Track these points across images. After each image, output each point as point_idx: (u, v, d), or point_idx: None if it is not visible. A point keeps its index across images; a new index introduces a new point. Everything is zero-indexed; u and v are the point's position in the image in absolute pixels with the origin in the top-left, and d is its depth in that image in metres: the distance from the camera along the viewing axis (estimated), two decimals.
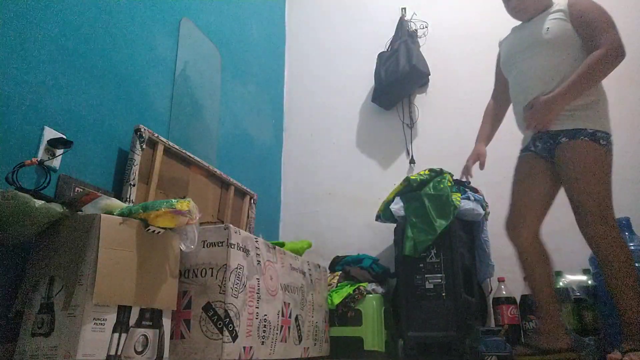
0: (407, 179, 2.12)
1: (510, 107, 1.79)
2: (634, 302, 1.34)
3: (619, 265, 1.35)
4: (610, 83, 2.33)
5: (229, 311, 1.24)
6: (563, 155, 1.50)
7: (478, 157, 1.84)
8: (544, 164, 1.61)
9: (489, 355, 1.34)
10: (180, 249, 1.24)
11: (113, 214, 1.12)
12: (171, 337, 1.20)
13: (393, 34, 2.80)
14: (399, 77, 2.56)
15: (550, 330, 1.51)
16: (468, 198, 2.03)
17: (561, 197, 2.23)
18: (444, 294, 1.88)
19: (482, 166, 1.84)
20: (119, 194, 1.50)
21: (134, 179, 1.53)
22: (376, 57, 2.76)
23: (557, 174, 1.57)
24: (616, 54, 1.43)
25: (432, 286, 1.93)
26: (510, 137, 2.41)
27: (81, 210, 1.13)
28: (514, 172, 1.72)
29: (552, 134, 1.53)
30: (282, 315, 1.56)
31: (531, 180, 1.62)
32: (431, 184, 2.06)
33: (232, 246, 1.31)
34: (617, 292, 1.36)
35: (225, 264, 1.28)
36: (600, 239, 1.38)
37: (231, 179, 2.12)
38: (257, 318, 1.39)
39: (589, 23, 1.49)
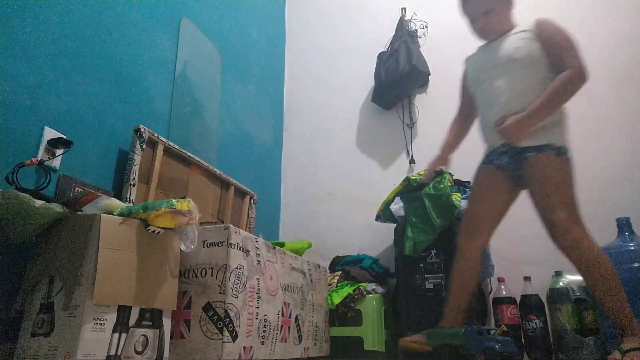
0: (407, 179, 2.12)
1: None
2: (623, 301, 1.37)
3: (603, 269, 1.38)
4: (610, 83, 2.35)
5: (229, 311, 1.24)
6: (532, 169, 1.54)
7: (441, 163, 1.86)
8: (504, 178, 1.64)
9: (502, 354, 1.34)
10: (180, 249, 1.24)
11: (113, 214, 1.12)
12: (171, 337, 1.20)
13: (393, 34, 2.80)
14: (399, 77, 2.56)
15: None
16: (468, 198, 2.03)
17: None
18: (444, 294, 1.88)
19: (440, 163, 1.88)
20: (119, 194, 1.50)
21: (134, 179, 1.53)
22: (376, 57, 2.76)
23: (515, 188, 1.65)
24: (582, 77, 1.51)
25: (432, 286, 1.93)
26: None
27: (81, 210, 1.13)
28: (474, 182, 1.74)
29: (520, 149, 1.56)
30: (282, 315, 1.56)
31: (491, 193, 1.66)
32: (431, 184, 2.05)
33: (232, 246, 1.31)
34: (605, 296, 1.38)
35: (225, 264, 1.28)
36: (581, 245, 1.41)
37: (231, 179, 2.12)
38: (257, 318, 1.39)
39: (557, 45, 1.56)
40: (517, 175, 1.60)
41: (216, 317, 1.23)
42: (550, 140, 1.52)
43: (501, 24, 1.68)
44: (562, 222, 1.43)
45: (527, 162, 1.55)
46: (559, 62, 1.54)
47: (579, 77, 1.50)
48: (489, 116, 1.65)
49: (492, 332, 1.49)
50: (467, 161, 2.19)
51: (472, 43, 2.68)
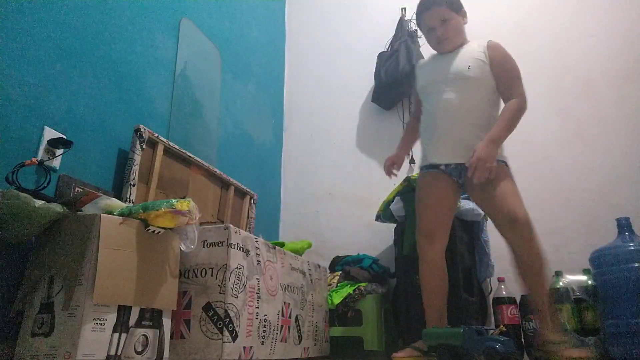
0: (407, 179, 2.12)
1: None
2: (546, 296, 1.55)
3: (541, 263, 1.51)
4: (609, 83, 2.35)
5: (229, 311, 1.24)
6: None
7: (395, 160, 1.88)
8: (450, 182, 1.69)
9: (502, 354, 1.34)
10: (180, 249, 1.24)
11: (113, 214, 1.12)
12: (171, 337, 1.20)
13: (393, 34, 2.80)
14: (399, 77, 2.56)
15: None
16: (468, 198, 2.03)
17: (561, 198, 2.24)
18: None
19: (398, 168, 1.89)
20: (119, 194, 1.50)
21: (134, 179, 1.53)
22: (376, 57, 2.76)
23: (458, 192, 1.73)
24: (526, 106, 1.64)
25: None
26: (510, 137, 2.42)
27: (81, 210, 1.13)
28: (420, 186, 1.75)
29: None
30: (282, 315, 1.56)
31: (441, 197, 1.69)
32: None
33: (232, 246, 1.31)
34: (537, 287, 1.51)
35: (225, 264, 1.28)
36: (532, 243, 1.51)
37: (231, 179, 2.12)
38: (257, 318, 1.39)
39: (507, 72, 1.65)
40: (461, 181, 1.69)
41: (216, 317, 1.23)
42: (498, 156, 1.63)
43: (457, 35, 1.73)
44: (526, 219, 1.52)
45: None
46: (505, 88, 1.65)
47: (525, 106, 1.64)
48: (433, 128, 1.70)
49: (490, 332, 1.49)
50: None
51: None
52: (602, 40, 2.41)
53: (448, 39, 1.72)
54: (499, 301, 1.95)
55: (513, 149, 2.40)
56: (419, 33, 2.79)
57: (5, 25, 1.25)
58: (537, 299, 1.52)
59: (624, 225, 1.69)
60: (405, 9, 2.86)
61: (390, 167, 1.88)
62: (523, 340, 1.87)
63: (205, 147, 2.09)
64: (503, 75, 1.65)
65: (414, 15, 2.85)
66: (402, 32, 2.74)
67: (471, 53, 1.69)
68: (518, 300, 1.96)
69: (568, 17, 2.53)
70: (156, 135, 1.65)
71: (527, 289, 1.56)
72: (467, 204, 1.99)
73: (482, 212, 2.06)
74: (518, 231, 1.51)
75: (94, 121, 1.50)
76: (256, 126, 2.67)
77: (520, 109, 1.63)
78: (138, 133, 1.58)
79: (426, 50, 2.73)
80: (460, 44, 1.73)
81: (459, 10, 1.74)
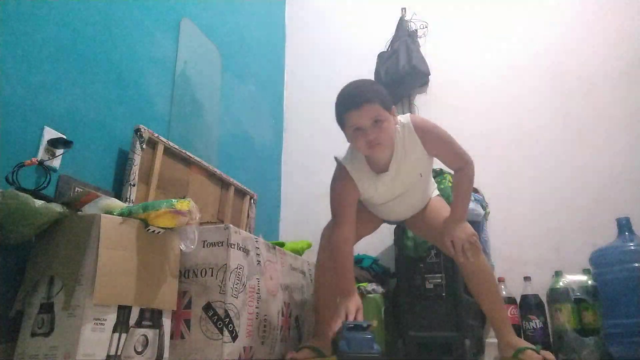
0: None
1: None
2: (503, 308, 1.64)
3: (490, 276, 1.60)
4: (610, 83, 2.35)
5: (229, 311, 1.24)
6: (427, 209, 1.72)
7: (358, 308, 1.40)
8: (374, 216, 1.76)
9: (352, 354, 1.15)
10: (180, 249, 1.24)
11: (113, 214, 1.12)
12: (171, 337, 1.20)
13: (393, 34, 2.80)
14: (399, 77, 2.56)
15: (321, 332, 1.57)
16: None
17: (561, 198, 2.24)
18: (444, 294, 1.88)
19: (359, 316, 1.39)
20: (119, 194, 1.50)
21: (134, 179, 1.53)
22: (376, 57, 2.76)
23: (379, 222, 1.79)
24: (473, 168, 1.57)
25: (432, 286, 1.93)
26: (510, 137, 2.42)
27: (81, 210, 1.13)
28: (343, 193, 1.57)
29: None
30: (282, 315, 1.56)
31: (360, 218, 1.60)
32: None
33: (232, 246, 1.31)
34: (492, 296, 1.58)
35: (225, 264, 1.28)
36: (480, 258, 1.55)
37: (231, 179, 2.12)
38: (257, 318, 1.39)
39: (445, 149, 1.55)
40: (396, 223, 1.82)
41: (216, 317, 1.23)
42: (435, 193, 1.79)
43: (391, 139, 1.45)
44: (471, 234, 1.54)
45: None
46: (449, 163, 1.60)
47: (473, 170, 1.57)
48: (389, 215, 1.75)
49: (365, 325, 1.25)
50: None
51: (472, 43, 2.70)
52: (602, 41, 2.41)
53: (381, 145, 1.41)
54: None
55: (512, 148, 2.41)
56: (419, 33, 2.79)
57: (5, 25, 1.25)
58: (496, 308, 1.57)
59: (624, 225, 1.69)
60: (405, 9, 2.86)
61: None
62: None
63: (205, 147, 2.09)
64: (445, 152, 1.55)
65: (414, 15, 2.89)
66: (402, 32, 2.74)
67: (412, 159, 1.51)
68: (518, 300, 1.96)
69: (569, 19, 2.53)
70: (156, 135, 1.65)
71: (483, 304, 1.59)
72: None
73: (482, 212, 2.07)
74: (473, 257, 1.52)
75: (94, 121, 1.50)
76: (256, 126, 2.67)
77: (471, 178, 1.58)
78: (138, 133, 1.58)
79: (426, 50, 2.74)
80: (390, 150, 1.49)
81: (390, 109, 1.43)
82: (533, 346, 1.47)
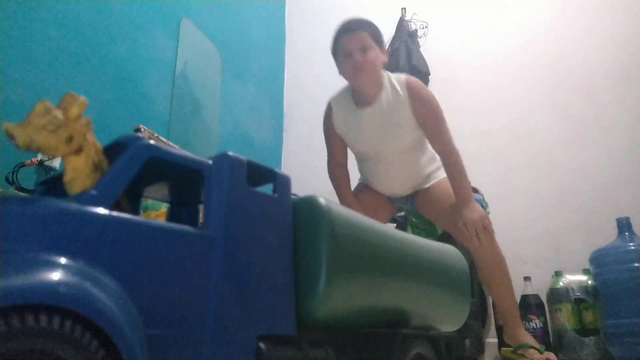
0: None
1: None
2: (514, 300, 1.58)
3: (500, 260, 1.53)
4: (609, 83, 2.35)
5: None
6: (434, 191, 1.64)
7: (355, 206, 1.64)
8: (388, 205, 1.71)
9: None
10: None
11: None
12: None
13: (393, 34, 2.79)
14: None
15: None
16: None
17: (561, 198, 2.24)
18: None
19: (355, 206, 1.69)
20: None
21: None
22: None
23: (390, 215, 1.75)
24: (459, 159, 1.55)
25: None
26: (510, 137, 2.42)
27: None
28: (356, 194, 1.71)
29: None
30: None
31: (374, 212, 1.60)
32: None
33: None
34: (504, 287, 1.54)
35: None
36: (492, 244, 1.50)
37: None
38: None
39: (432, 122, 1.54)
40: (406, 206, 1.72)
41: None
42: (440, 175, 1.67)
43: (375, 71, 1.50)
44: (483, 222, 1.49)
45: (430, 188, 1.65)
46: (433, 139, 1.58)
47: (459, 160, 1.56)
48: (376, 182, 1.68)
49: None
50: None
51: (473, 43, 2.70)
52: (602, 41, 2.41)
53: (365, 71, 1.47)
54: None
55: (513, 147, 2.41)
56: (419, 33, 2.79)
57: (5, 25, 1.25)
58: (507, 297, 1.53)
59: (624, 225, 1.69)
60: (405, 9, 2.85)
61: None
62: None
63: (205, 147, 2.09)
64: (429, 126, 1.55)
65: (414, 15, 2.89)
66: (402, 32, 2.74)
67: (395, 108, 1.52)
68: (518, 300, 1.96)
69: (568, 18, 2.53)
70: (156, 135, 1.65)
71: (493, 292, 1.57)
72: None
73: None
74: (473, 237, 1.47)
75: (94, 121, 1.49)
76: (256, 126, 2.67)
77: (458, 163, 1.53)
78: (138, 133, 1.58)
79: (426, 50, 2.74)
80: (377, 84, 1.53)
81: (381, 44, 1.54)
82: (537, 345, 1.46)
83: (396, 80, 1.55)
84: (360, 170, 1.75)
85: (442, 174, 1.65)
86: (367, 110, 1.55)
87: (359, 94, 1.57)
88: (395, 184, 1.67)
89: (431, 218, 1.74)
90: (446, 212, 1.56)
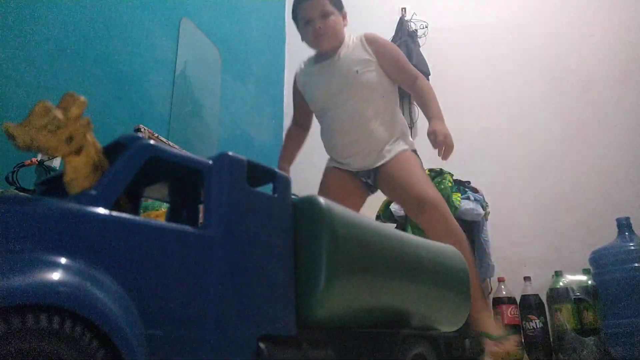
0: None
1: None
2: (475, 277, 1.46)
3: (456, 240, 1.38)
4: (609, 83, 2.35)
5: None
6: (396, 166, 1.56)
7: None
8: (359, 184, 1.65)
9: None
10: None
11: None
12: None
13: (393, 34, 2.80)
14: None
15: None
16: (468, 198, 2.03)
17: (561, 198, 2.24)
18: None
19: None
20: None
21: None
22: None
23: (366, 194, 1.68)
24: (426, 80, 1.62)
25: None
26: (510, 137, 2.42)
27: None
28: (325, 183, 1.69)
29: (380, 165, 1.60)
30: None
31: (345, 199, 1.56)
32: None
33: None
34: None
35: None
36: (444, 223, 1.43)
37: None
38: None
39: (396, 61, 1.60)
40: (371, 182, 1.64)
41: None
42: (406, 146, 1.62)
43: (335, 34, 1.60)
44: (432, 195, 1.45)
45: (388, 164, 1.57)
46: (402, 77, 1.62)
47: (426, 81, 1.63)
48: (338, 143, 1.64)
49: None
50: (467, 161, 2.19)
51: (473, 43, 2.70)
52: (602, 41, 2.41)
53: (325, 36, 1.57)
54: (499, 301, 1.94)
55: (513, 147, 2.41)
56: (419, 33, 2.79)
57: (5, 25, 1.24)
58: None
59: (624, 225, 1.69)
60: (405, 9, 2.86)
61: None
62: (523, 340, 1.87)
63: (205, 147, 2.09)
64: (394, 66, 1.59)
65: (414, 15, 2.89)
66: (402, 32, 2.74)
67: (353, 55, 1.59)
68: (518, 300, 1.96)
69: (568, 18, 2.53)
70: (156, 135, 1.65)
71: None
72: (467, 204, 1.99)
73: (482, 212, 2.06)
74: (428, 213, 1.43)
75: (94, 121, 1.49)
76: (256, 126, 2.67)
77: (428, 85, 1.59)
78: (138, 133, 1.58)
79: (426, 50, 2.74)
80: (338, 44, 1.61)
81: (341, 9, 1.63)
82: (499, 335, 1.39)
83: (355, 36, 1.65)
84: (323, 137, 1.72)
85: (401, 147, 1.60)
86: (326, 62, 1.62)
87: (321, 52, 1.66)
88: (354, 145, 1.60)
89: (389, 195, 1.71)
90: (401, 187, 1.52)
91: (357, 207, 1.67)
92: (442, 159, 1.46)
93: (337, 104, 1.60)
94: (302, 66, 1.76)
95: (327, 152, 1.74)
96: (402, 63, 1.62)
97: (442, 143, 1.43)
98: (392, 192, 1.63)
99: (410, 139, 1.70)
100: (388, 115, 1.62)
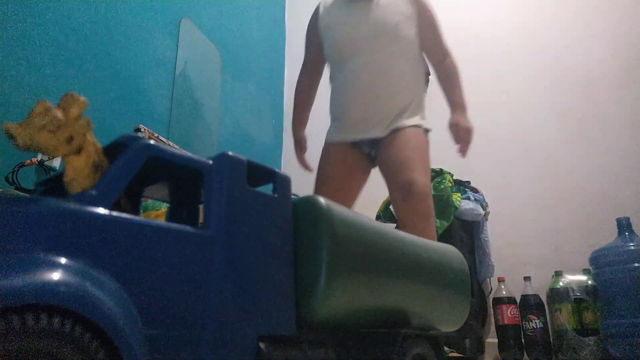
0: None
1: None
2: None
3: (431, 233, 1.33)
4: (610, 83, 2.35)
5: None
6: (399, 139, 1.40)
7: (302, 146, 1.69)
8: (359, 156, 1.50)
9: None
10: None
11: None
12: None
13: None
14: None
15: None
16: (468, 198, 2.03)
17: (561, 198, 2.24)
18: None
19: (304, 150, 1.67)
20: None
21: None
22: None
23: (369, 168, 1.53)
24: (455, 61, 1.52)
25: None
26: (510, 137, 2.42)
27: None
28: (325, 159, 1.54)
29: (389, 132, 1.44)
30: None
31: (348, 174, 1.48)
32: (431, 185, 2.05)
33: None
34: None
35: None
36: (426, 216, 1.32)
37: None
38: None
39: (435, 29, 1.51)
40: (373, 154, 1.50)
41: None
42: (419, 121, 1.47)
43: None
44: (422, 186, 1.31)
45: (397, 135, 1.41)
46: (435, 47, 1.52)
47: (455, 62, 1.54)
48: (352, 98, 1.46)
49: None
50: (467, 161, 2.18)
51: (472, 43, 2.70)
52: (602, 40, 2.41)
53: None
54: (499, 301, 1.95)
55: (514, 147, 2.41)
56: None
57: (5, 25, 1.25)
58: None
59: (624, 225, 1.69)
60: None
61: (304, 158, 1.68)
62: (523, 340, 1.87)
63: (205, 147, 2.09)
64: (432, 33, 1.49)
65: None
66: None
67: (396, 4, 1.44)
68: (518, 300, 1.96)
69: (568, 18, 2.53)
70: (156, 135, 1.65)
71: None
72: (467, 204, 2.00)
73: (482, 212, 2.07)
74: (411, 203, 1.29)
75: (94, 121, 1.49)
76: (256, 126, 2.67)
77: (456, 68, 1.51)
78: (138, 133, 1.58)
79: None
80: None
81: None
82: None
83: None
84: (333, 97, 1.56)
85: (416, 121, 1.46)
86: (361, 4, 1.45)
87: None
88: (371, 105, 1.44)
89: (382, 169, 1.49)
90: (396, 165, 1.37)
91: (360, 182, 1.55)
92: (461, 155, 1.39)
93: (363, 53, 1.42)
94: (326, 5, 1.56)
95: (332, 119, 1.58)
96: (440, 33, 1.51)
97: (464, 140, 1.36)
98: (385, 168, 1.45)
99: (425, 114, 1.55)
100: (413, 81, 1.49)
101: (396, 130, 1.42)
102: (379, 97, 1.43)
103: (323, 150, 1.57)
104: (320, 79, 1.71)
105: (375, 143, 1.48)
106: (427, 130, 1.49)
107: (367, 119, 1.44)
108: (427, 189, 1.33)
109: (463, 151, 1.40)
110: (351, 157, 1.50)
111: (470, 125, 1.40)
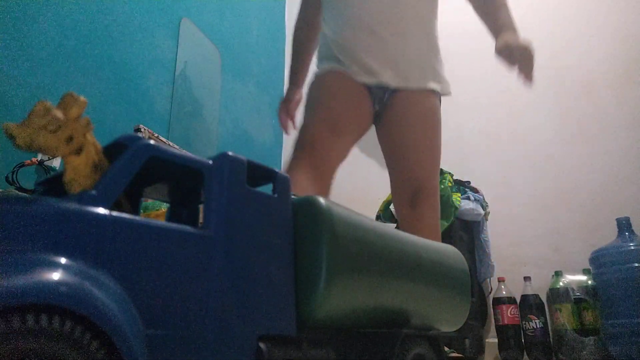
0: None
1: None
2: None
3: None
4: (610, 83, 2.35)
5: None
6: (407, 110, 1.18)
7: (291, 109, 1.36)
8: (367, 101, 1.21)
9: None
10: None
11: None
12: None
13: None
14: None
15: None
16: (468, 198, 2.03)
17: (561, 198, 2.24)
18: None
19: (293, 119, 1.35)
20: None
21: None
22: None
23: (370, 116, 1.24)
24: None
25: None
26: (510, 137, 2.42)
27: None
28: (317, 87, 1.25)
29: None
30: None
31: (352, 110, 1.17)
32: None
33: None
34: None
35: None
36: (435, 227, 1.15)
37: None
38: None
39: None
40: (378, 108, 1.24)
41: None
42: (445, 85, 1.25)
43: None
44: (432, 191, 1.13)
45: (406, 101, 1.19)
46: None
47: None
48: (362, 37, 1.18)
49: None
50: (467, 161, 2.19)
51: (472, 42, 2.70)
52: (602, 40, 2.41)
53: None
54: (498, 301, 1.95)
55: (514, 148, 2.41)
56: None
57: (5, 25, 1.25)
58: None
59: (624, 225, 1.69)
60: None
61: (286, 122, 1.38)
62: (523, 340, 1.87)
63: (205, 147, 2.09)
64: None
65: None
66: None
67: None
68: (518, 300, 1.96)
69: (568, 17, 2.53)
70: (156, 135, 1.65)
71: None
72: (467, 204, 2.00)
73: (482, 212, 2.07)
74: (421, 209, 1.11)
75: (94, 121, 1.49)
76: (256, 126, 2.67)
77: None
78: (138, 133, 1.58)
79: None
80: None
81: None
82: None
83: None
84: (328, 26, 1.26)
85: (439, 83, 1.25)
86: None
87: None
88: (399, 42, 1.17)
89: (383, 145, 1.31)
90: (405, 154, 1.17)
91: (361, 130, 1.27)
92: (525, 78, 1.09)
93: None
94: None
95: (335, 50, 1.22)
96: None
97: (524, 60, 1.05)
98: (390, 152, 1.23)
99: (447, 81, 1.30)
100: (434, 31, 1.21)
101: (411, 94, 1.18)
102: (405, 32, 1.18)
103: (318, 76, 1.26)
104: (319, 25, 1.40)
105: (385, 93, 1.21)
106: (440, 102, 1.26)
107: (376, 55, 1.17)
108: (436, 195, 1.16)
109: (527, 75, 1.10)
110: (357, 96, 1.19)
111: (525, 43, 1.08)
